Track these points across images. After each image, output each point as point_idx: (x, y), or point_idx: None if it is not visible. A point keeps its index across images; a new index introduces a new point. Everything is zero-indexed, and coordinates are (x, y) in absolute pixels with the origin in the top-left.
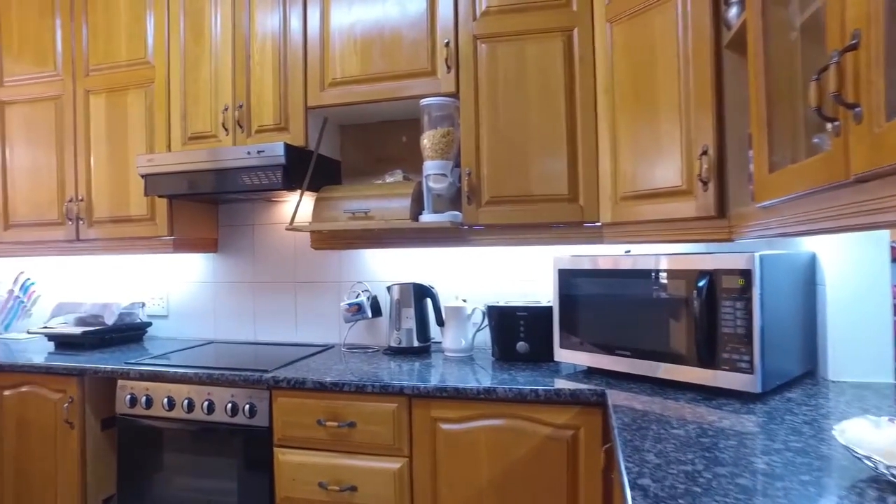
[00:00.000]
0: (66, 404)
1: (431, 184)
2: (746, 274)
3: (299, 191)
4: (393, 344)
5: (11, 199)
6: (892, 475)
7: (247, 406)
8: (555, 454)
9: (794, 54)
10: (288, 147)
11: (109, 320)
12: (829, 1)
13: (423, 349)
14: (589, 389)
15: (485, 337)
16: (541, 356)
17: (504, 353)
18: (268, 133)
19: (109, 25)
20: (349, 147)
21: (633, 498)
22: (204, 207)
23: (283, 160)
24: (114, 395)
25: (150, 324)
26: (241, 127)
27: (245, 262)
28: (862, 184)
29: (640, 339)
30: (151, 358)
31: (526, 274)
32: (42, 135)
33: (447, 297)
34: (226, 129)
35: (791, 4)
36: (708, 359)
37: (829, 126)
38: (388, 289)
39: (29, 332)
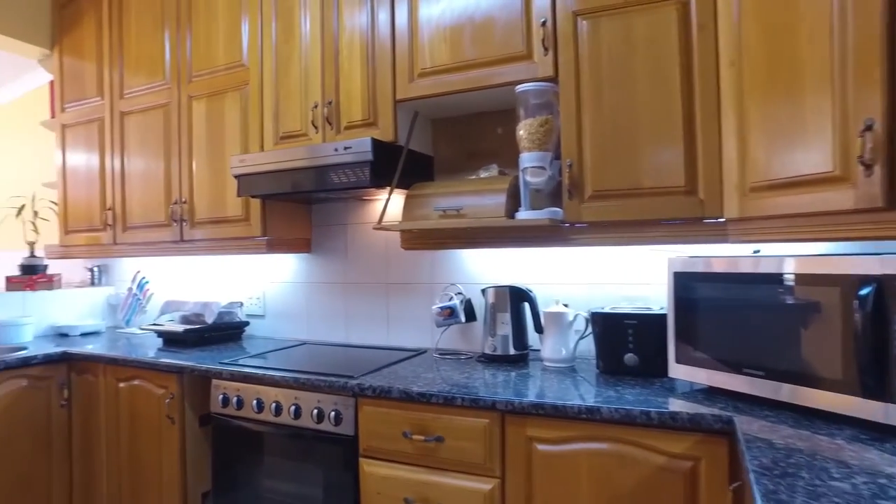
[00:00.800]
0: (167, 400)
1: (529, 178)
2: None
3: (389, 188)
4: (487, 351)
5: (129, 203)
6: None
7: (332, 413)
8: (669, 488)
9: None
10: (375, 142)
11: (210, 319)
12: None
13: (519, 357)
14: (712, 415)
15: (587, 346)
16: (652, 370)
17: (610, 365)
18: (357, 129)
19: (209, 32)
20: (441, 142)
21: None
22: (297, 208)
23: (370, 156)
24: (210, 393)
25: (247, 323)
26: (330, 124)
27: (337, 263)
28: None
29: (775, 356)
30: (244, 357)
31: (632, 277)
32: (152, 141)
33: (545, 302)
34: (315, 127)
35: None
36: (875, 387)
37: None
38: (483, 292)
39: (140, 329)
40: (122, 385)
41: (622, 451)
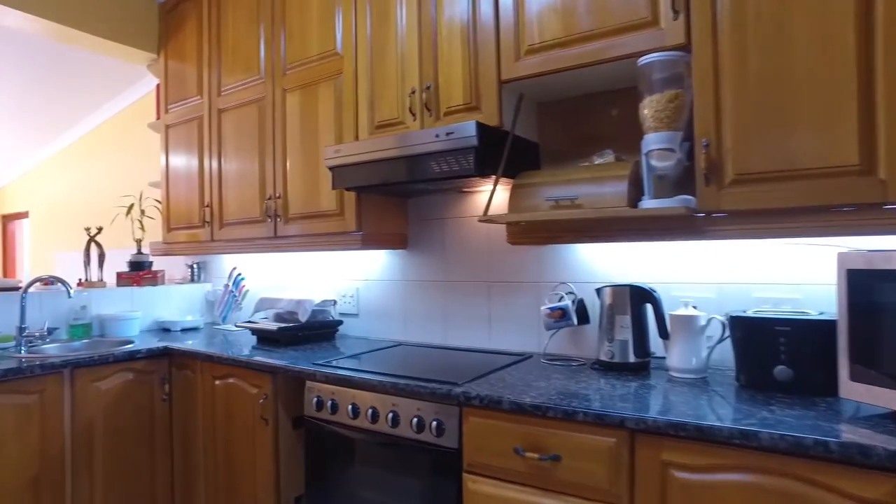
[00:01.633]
0: (261, 400)
1: (654, 161)
2: None
3: (493, 178)
4: (603, 358)
5: (225, 199)
6: None
7: (434, 423)
8: None
9: None
10: (480, 126)
11: (303, 317)
12: None
13: (640, 366)
14: None
15: (721, 355)
16: (810, 388)
17: (754, 379)
18: (458, 114)
19: (303, 24)
20: (548, 127)
21: None
22: (393, 201)
23: (475, 141)
24: (303, 395)
25: (341, 322)
26: (428, 110)
27: (435, 260)
28: None
29: None
30: (339, 359)
31: (775, 276)
32: (247, 137)
33: (671, 303)
34: (413, 114)
35: None
36: None
37: None
38: (598, 291)
39: (235, 326)
40: (217, 383)
41: (789, 488)
